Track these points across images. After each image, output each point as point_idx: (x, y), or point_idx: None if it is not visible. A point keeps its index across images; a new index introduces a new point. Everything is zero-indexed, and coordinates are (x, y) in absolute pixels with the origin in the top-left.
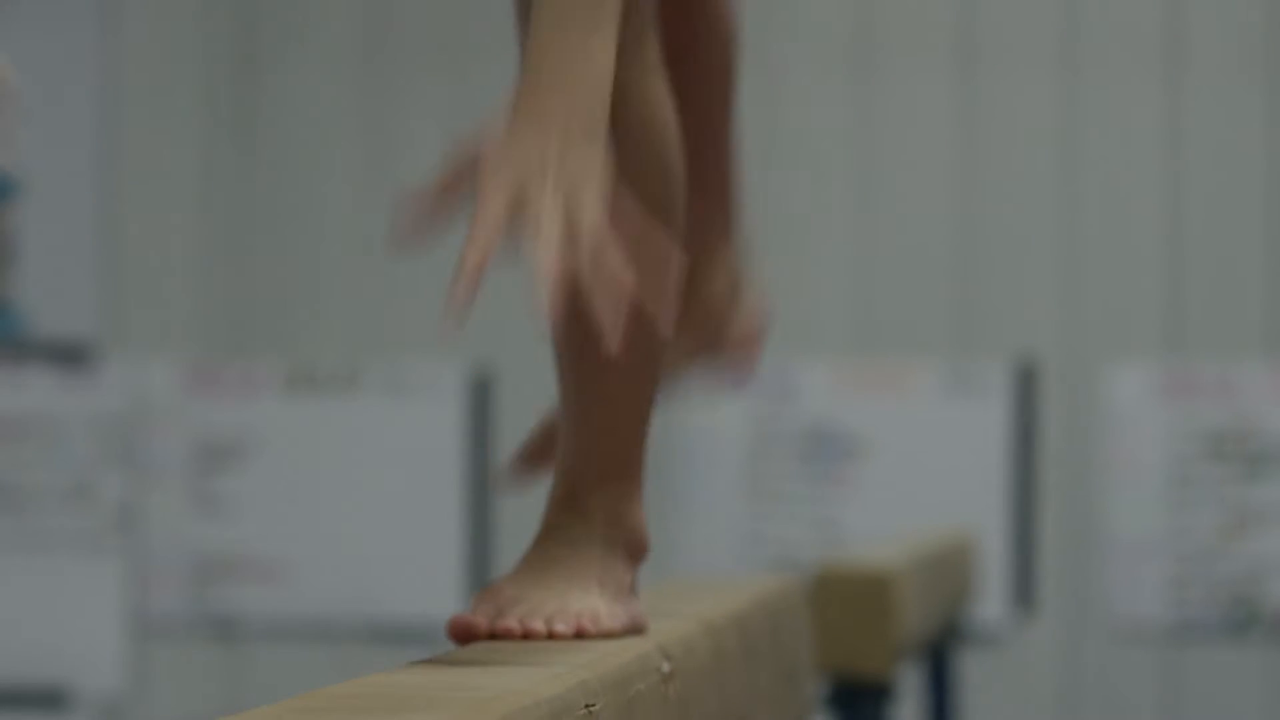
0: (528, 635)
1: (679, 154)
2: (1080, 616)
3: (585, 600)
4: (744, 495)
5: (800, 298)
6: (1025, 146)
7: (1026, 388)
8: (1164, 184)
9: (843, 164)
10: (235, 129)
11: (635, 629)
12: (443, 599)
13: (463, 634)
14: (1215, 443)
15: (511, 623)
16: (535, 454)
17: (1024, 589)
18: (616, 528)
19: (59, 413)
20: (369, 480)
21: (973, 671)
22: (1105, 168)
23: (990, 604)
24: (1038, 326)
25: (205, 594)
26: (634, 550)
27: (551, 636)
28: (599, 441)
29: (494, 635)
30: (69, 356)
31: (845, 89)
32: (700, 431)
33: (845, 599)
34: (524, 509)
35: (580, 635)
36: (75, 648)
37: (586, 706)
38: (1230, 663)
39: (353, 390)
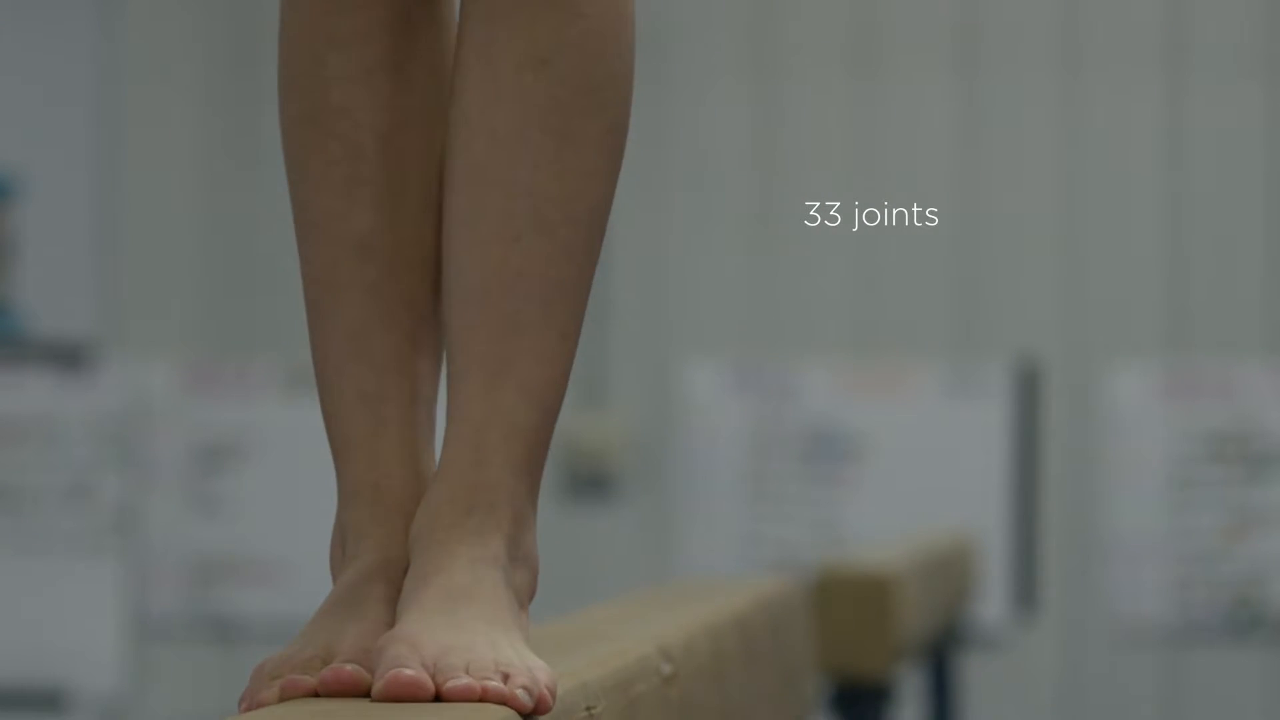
0: (485, 696)
1: (634, 42)
2: (1082, 618)
3: (524, 654)
4: (744, 496)
5: (801, 298)
6: (1026, 147)
7: (1028, 389)
8: (1165, 184)
9: (843, 164)
10: (235, 130)
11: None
12: None
13: (408, 694)
14: (1217, 444)
15: (465, 680)
16: None
17: (1026, 590)
18: (515, 551)
19: (58, 414)
20: None
21: (974, 673)
22: (1106, 168)
23: (992, 605)
24: (1039, 327)
25: (204, 595)
26: (530, 581)
27: (505, 702)
28: (516, 413)
29: (441, 697)
30: (68, 357)
31: (845, 89)
32: (700, 432)
33: (846, 600)
34: None
35: (539, 709)
36: (74, 648)
37: (587, 709)
38: (1232, 664)
39: None
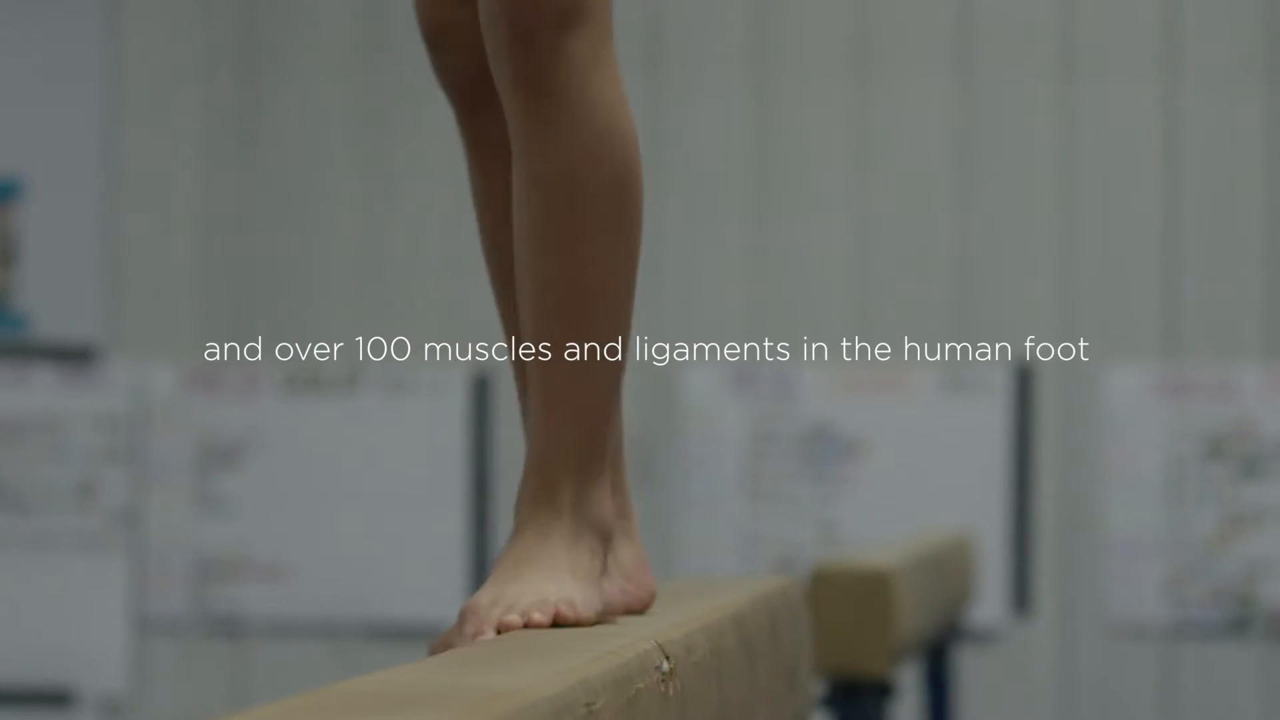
0: (504, 628)
1: (637, 155)
2: (1078, 616)
3: (561, 590)
4: (744, 495)
5: (800, 298)
6: (1024, 147)
7: (1025, 388)
8: (1162, 185)
9: (842, 164)
10: (236, 130)
11: (610, 611)
12: (443, 599)
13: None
14: (1212, 443)
15: (488, 626)
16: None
17: (1022, 589)
18: (583, 515)
19: (62, 413)
20: (369, 480)
21: (971, 671)
22: (1103, 169)
23: (989, 604)
24: (1037, 328)
25: (207, 593)
26: (600, 534)
27: (529, 625)
28: (566, 431)
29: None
30: (72, 357)
31: (845, 89)
32: (700, 431)
33: (844, 598)
34: None
35: (558, 623)
36: (78, 647)
37: (586, 705)
38: (1228, 663)
39: (353, 390)
